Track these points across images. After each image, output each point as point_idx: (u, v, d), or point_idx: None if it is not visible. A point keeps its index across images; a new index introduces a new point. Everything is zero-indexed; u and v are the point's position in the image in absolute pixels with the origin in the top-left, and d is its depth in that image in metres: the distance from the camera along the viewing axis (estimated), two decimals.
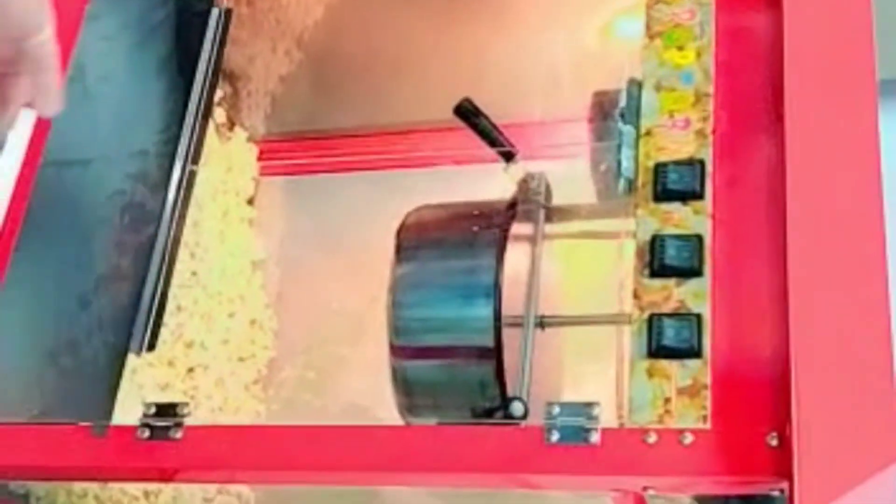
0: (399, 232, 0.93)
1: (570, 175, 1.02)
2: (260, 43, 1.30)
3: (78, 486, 0.92)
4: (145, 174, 0.89)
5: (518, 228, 0.93)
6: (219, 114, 1.22)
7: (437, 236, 0.92)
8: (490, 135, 0.91)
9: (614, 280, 0.95)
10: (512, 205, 0.92)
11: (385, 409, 0.92)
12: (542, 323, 0.93)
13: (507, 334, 0.87)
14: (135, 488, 0.98)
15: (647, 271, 0.76)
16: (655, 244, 0.76)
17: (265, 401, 1.17)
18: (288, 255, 1.27)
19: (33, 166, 0.90)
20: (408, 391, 0.89)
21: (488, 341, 0.86)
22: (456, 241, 0.91)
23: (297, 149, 1.29)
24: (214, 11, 1.00)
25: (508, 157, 0.93)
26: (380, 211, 1.10)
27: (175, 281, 0.97)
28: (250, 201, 1.25)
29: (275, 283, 1.26)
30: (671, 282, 0.75)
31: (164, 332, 1.02)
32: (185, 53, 0.97)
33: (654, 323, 0.73)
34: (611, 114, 0.90)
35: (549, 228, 0.98)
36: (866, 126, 0.76)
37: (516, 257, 0.92)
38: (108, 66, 0.96)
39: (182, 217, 0.92)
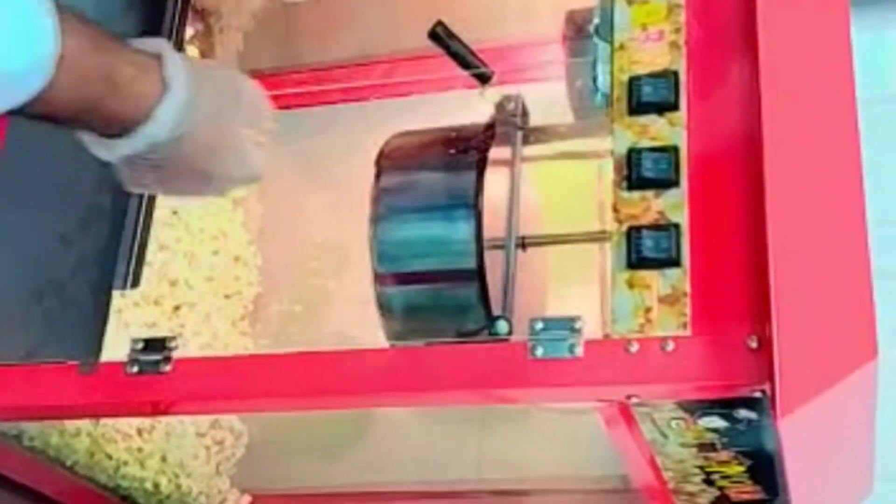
0: (378, 159, 0.93)
1: (546, 96, 1.02)
2: None
3: (71, 426, 0.93)
4: None
5: (496, 151, 0.93)
6: (191, 51, 1.21)
7: (415, 161, 0.92)
8: (465, 58, 0.91)
9: (594, 199, 0.96)
10: (489, 127, 0.92)
11: (373, 339, 0.93)
12: (523, 243, 0.93)
13: (490, 256, 0.88)
14: (128, 426, 0.99)
15: (624, 184, 0.76)
16: (632, 157, 0.76)
17: (253, 336, 1.18)
18: (268, 190, 1.27)
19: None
20: (393, 317, 0.90)
21: (471, 263, 0.87)
22: (434, 165, 0.91)
23: (272, 84, 1.29)
24: None
25: (484, 79, 0.92)
26: (360, 142, 1.09)
27: (157, 220, 0.97)
28: None
29: (257, 219, 1.27)
30: (649, 193, 0.75)
31: (149, 272, 1.03)
32: None
33: (632, 235, 0.74)
34: (585, 31, 0.90)
35: (527, 150, 0.98)
36: (839, 34, 0.76)
37: (496, 180, 0.92)
38: (77, 3, 0.94)
39: None
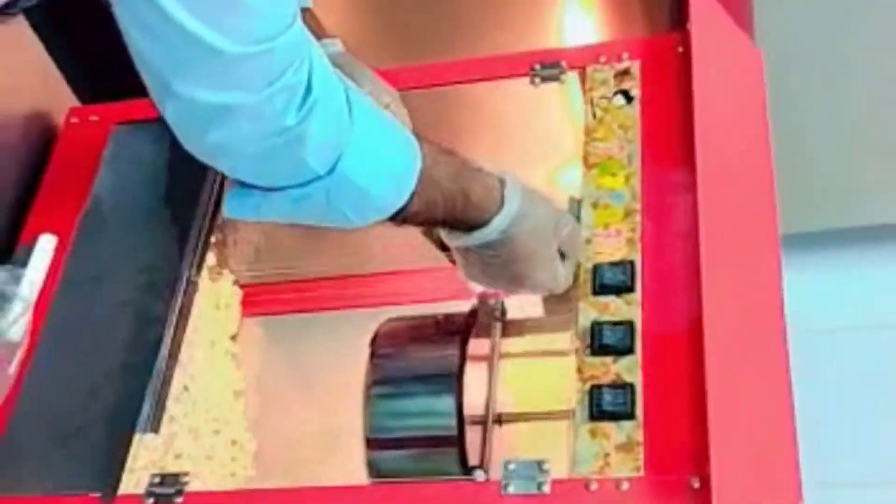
0: (373, 340, 1.05)
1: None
2: None
3: None
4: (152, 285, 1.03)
5: (477, 344, 1.06)
6: (209, 257, 1.36)
7: (406, 342, 1.05)
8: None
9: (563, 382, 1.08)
10: (472, 314, 1.06)
11: None
12: (500, 420, 1.05)
13: (470, 426, 1.00)
14: None
15: (587, 351, 0.89)
16: (594, 329, 0.90)
17: None
18: (265, 386, 1.39)
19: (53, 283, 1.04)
20: (382, 478, 1.00)
21: (452, 431, 0.98)
22: (426, 346, 1.04)
23: (276, 291, 1.43)
24: None
25: None
26: (349, 346, 1.22)
27: (170, 393, 1.08)
28: (233, 337, 1.38)
29: (254, 408, 1.37)
30: (608, 359, 0.88)
31: (156, 440, 1.13)
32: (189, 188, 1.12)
33: (594, 392, 0.86)
34: None
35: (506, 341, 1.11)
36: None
37: (476, 369, 1.05)
38: (122, 199, 1.10)
39: (185, 320, 1.05)
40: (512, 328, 1.11)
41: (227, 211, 0.83)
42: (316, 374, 1.39)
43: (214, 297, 1.33)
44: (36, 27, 1.19)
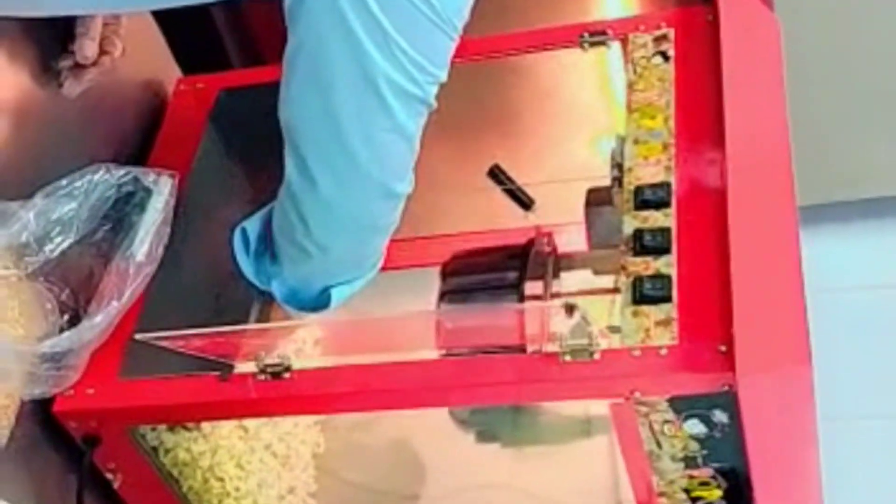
0: (444, 265, 1.23)
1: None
2: None
3: (197, 448, 1.18)
4: None
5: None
6: None
7: (476, 264, 1.23)
8: (514, 191, 1.24)
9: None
10: (529, 243, 1.23)
11: None
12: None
13: None
14: (237, 467, 1.23)
15: (631, 252, 1.06)
16: (636, 234, 1.07)
17: None
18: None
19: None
20: None
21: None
22: (488, 267, 1.22)
23: None
24: None
25: (526, 206, 1.25)
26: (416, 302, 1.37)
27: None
28: None
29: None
30: (649, 258, 1.05)
31: None
32: None
33: (636, 282, 1.03)
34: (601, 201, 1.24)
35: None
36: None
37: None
38: (227, 155, 1.29)
39: None
40: (563, 264, 1.29)
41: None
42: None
43: None
44: None
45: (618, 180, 1.15)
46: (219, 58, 1.69)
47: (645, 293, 1.02)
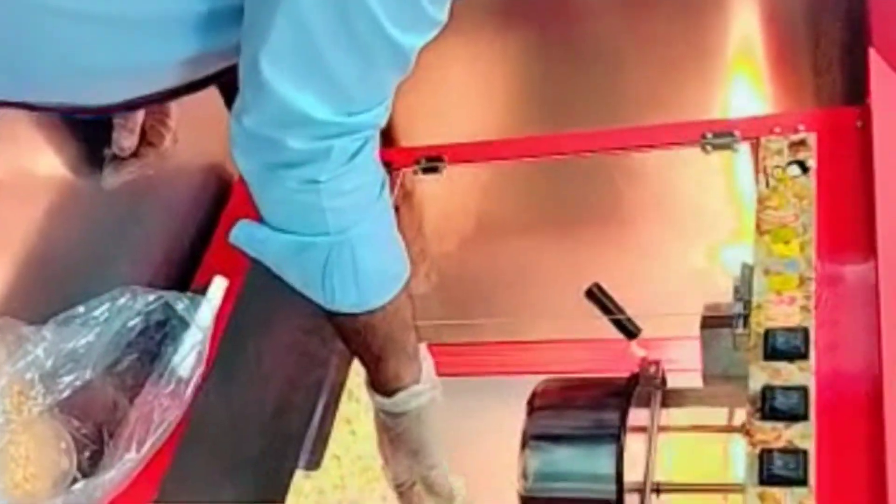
0: (531, 397, 1.05)
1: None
2: None
3: None
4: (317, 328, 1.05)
5: (635, 415, 1.05)
6: None
7: (566, 401, 1.04)
8: (615, 315, 1.06)
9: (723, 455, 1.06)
10: (633, 378, 1.04)
11: None
12: (658, 489, 1.03)
13: (628, 493, 0.98)
14: None
15: (758, 415, 0.87)
16: (766, 393, 0.88)
17: None
18: None
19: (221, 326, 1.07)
20: None
21: (611, 496, 0.97)
22: (582, 405, 1.03)
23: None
24: None
25: (631, 335, 1.06)
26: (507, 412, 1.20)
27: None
28: None
29: None
30: (780, 424, 0.86)
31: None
32: None
33: (764, 456, 0.84)
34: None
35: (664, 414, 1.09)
36: None
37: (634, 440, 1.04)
38: None
39: (347, 364, 1.06)
40: (672, 398, 1.10)
41: (232, 236, 0.84)
42: (469, 437, 1.38)
43: None
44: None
45: (743, 318, 0.96)
46: None
47: (774, 472, 0.83)
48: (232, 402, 1.01)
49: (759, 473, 0.84)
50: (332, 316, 0.86)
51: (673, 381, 1.13)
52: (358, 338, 0.87)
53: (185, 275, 1.13)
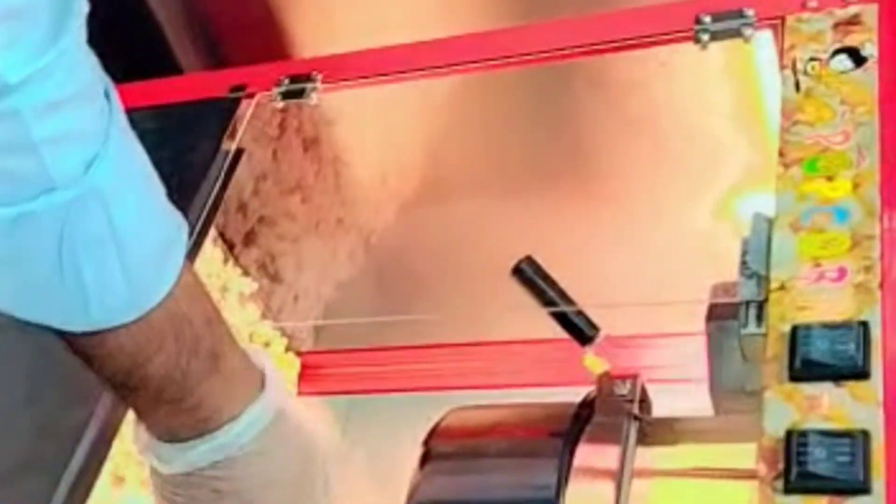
0: (427, 438, 0.66)
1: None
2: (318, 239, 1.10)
3: None
4: None
5: (595, 452, 0.65)
6: (251, 309, 1.00)
7: (476, 447, 0.65)
8: (556, 303, 0.66)
9: None
10: (584, 406, 0.65)
11: None
12: None
13: None
14: None
15: (779, 485, 0.48)
16: (793, 443, 0.48)
17: None
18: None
19: None
20: None
21: None
22: (501, 452, 0.64)
23: (344, 364, 1.06)
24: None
25: (584, 339, 0.67)
26: None
27: None
28: None
29: None
30: (823, 500, 0.46)
31: None
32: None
33: None
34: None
35: (644, 453, 0.70)
36: None
37: (592, 489, 0.65)
38: None
39: None
40: (655, 430, 0.70)
41: None
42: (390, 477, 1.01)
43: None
44: None
45: (756, 308, 0.56)
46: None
47: None
48: None
49: None
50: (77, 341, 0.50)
51: (666, 401, 0.74)
52: (138, 367, 0.51)
53: None
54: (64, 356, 0.53)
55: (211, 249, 0.95)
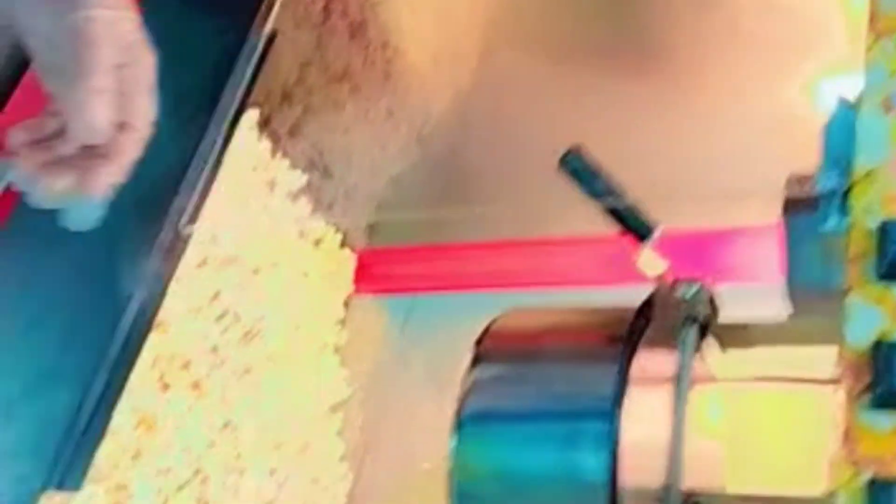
0: (479, 341, 0.62)
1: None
2: (368, 131, 1.05)
3: None
4: None
5: (655, 359, 0.60)
6: (303, 204, 0.96)
7: (531, 351, 0.61)
8: (603, 196, 0.60)
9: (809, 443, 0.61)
10: (644, 309, 0.60)
11: None
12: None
13: None
14: None
15: (867, 400, 0.42)
16: (882, 353, 0.42)
17: None
18: (376, 394, 0.97)
19: None
20: None
21: None
22: (556, 357, 0.59)
23: (399, 259, 1.01)
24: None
25: (643, 234, 0.61)
26: None
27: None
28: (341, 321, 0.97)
29: (354, 429, 0.96)
30: None
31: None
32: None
33: (876, 490, 0.39)
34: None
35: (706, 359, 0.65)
36: None
37: (650, 397, 0.60)
38: None
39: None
40: (724, 336, 0.65)
41: None
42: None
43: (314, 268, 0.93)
44: None
45: (840, 200, 0.50)
46: None
47: None
48: None
49: None
50: None
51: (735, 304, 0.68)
52: None
53: None
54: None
55: (257, 142, 0.90)
